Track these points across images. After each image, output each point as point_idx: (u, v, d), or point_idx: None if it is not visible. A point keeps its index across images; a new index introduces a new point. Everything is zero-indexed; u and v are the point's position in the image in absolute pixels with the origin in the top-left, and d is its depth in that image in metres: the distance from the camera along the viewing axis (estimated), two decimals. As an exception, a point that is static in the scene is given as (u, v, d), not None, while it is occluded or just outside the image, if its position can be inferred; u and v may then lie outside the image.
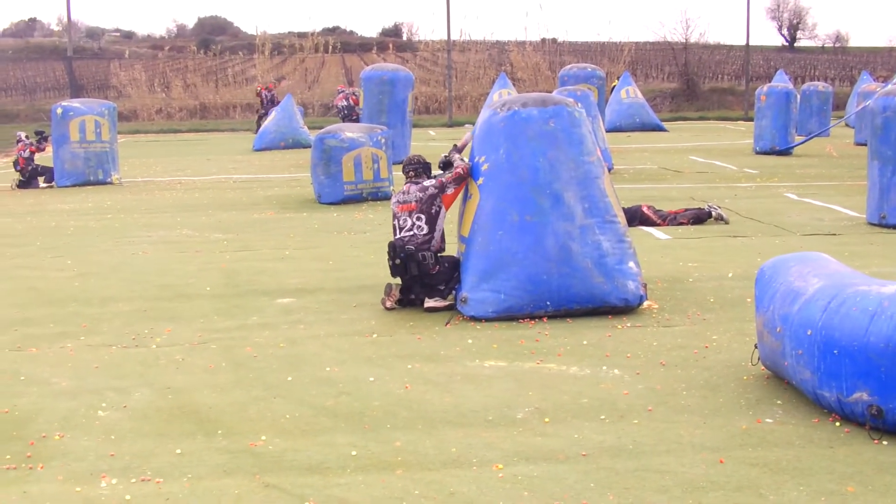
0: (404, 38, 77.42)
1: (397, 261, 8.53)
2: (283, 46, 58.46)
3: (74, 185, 19.20)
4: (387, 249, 8.70)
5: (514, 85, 34.82)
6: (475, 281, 8.19)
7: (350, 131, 15.95)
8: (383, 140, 15.92)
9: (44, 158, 20.24)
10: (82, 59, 52.18)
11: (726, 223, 12.77)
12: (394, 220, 8.75)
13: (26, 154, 19.32)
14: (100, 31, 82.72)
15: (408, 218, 8.62)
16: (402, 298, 8.60)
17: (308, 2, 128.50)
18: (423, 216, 8.59)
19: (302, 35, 62.37)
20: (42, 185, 19.53)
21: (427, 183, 8.74)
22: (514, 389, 6.37)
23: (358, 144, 15.53)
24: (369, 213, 14.47)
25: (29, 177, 19.40)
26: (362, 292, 9.22)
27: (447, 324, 8.07)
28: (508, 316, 8.05)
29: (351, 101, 28.92)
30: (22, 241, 12.73)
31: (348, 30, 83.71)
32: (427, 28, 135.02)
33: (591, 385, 6.42)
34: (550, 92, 27.10)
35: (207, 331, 8.04)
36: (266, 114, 32.00)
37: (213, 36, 74.43)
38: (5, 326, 8.33)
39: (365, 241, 12.05)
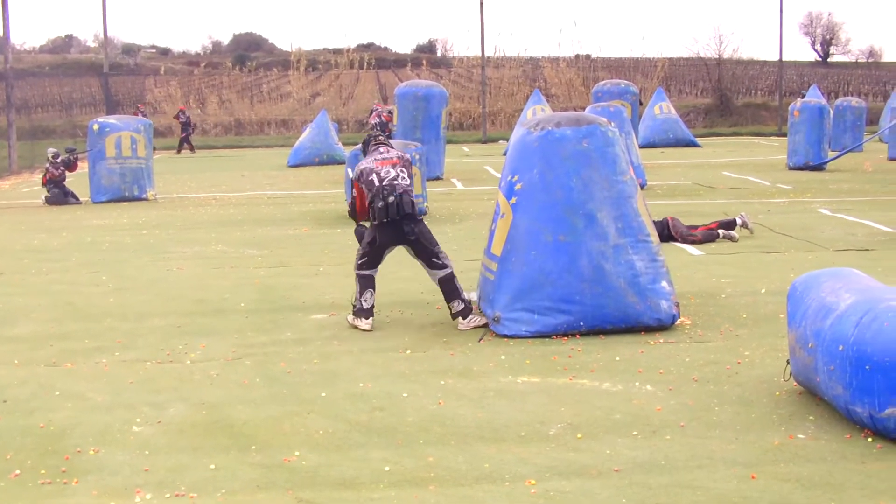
0: (439, 54, 77.82)
1: (391, 199, 8.37)
2: (318, 62, 58.88)
3: (110, 201, 19.40)
4: (373, 197, 8.44)
5: (547, 101, 34.84)
6: (508, 300, 8.18)
7: (384, 148, 16.00)
8: (417, 156, 15.96)
9: (80, 175, 20.51)
10: (118, 76, 52.76)
11: (740, 236, 12.81)
12: (371, 176, 8.51)
13: (47, 177, 19.59)
14: (136, 48, 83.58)
15: (391, 169, 8.52)
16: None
17: (343, 18, 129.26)
18: (405, 171, 8.60)
19: (337, 51, 62.80)
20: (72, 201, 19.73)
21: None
22: (547, 405, 6.37)
23: (391, 160, 15.57)
24: (403, 228, 14.51)
25: (53, 191, 19.61)
26: (396, 308, 9.27)
27: (480, 339, 8.09)
28: (542, 335, 8.05)
29: (383, 118, 29.11)
30: (58, 257, 12.87)
31: (383, 46, 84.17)
32: (461, 44, 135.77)
33: (624, 401, 6.42)
34: (584, 108, 27.15)
35: (242, 346, 8.10)
36: (188, 134, 34.61)
37: (248, 52, 75.02)
38: (41, 341, 8.42)
39: (399, 257, 12.05)
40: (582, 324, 8.06)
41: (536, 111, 30.61)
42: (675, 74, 51.46)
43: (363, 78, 56.46)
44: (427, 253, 8.63)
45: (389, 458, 5.50)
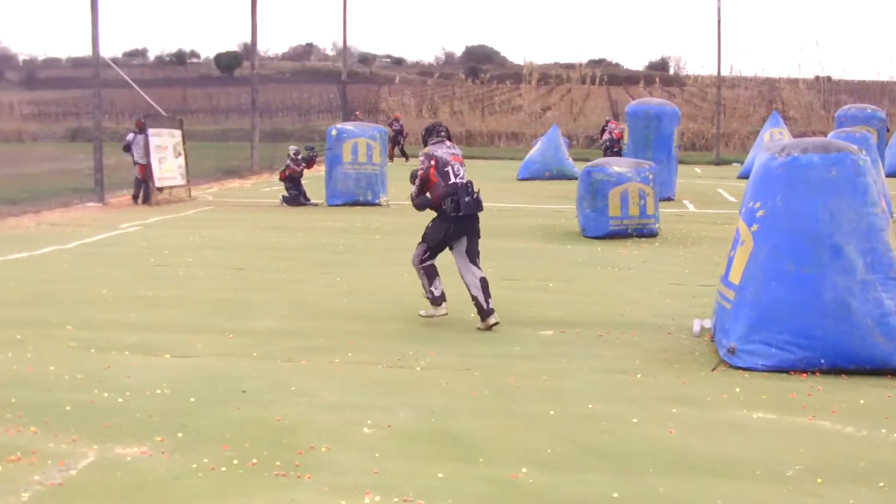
0: (671, 72, 76.66)
1: (475, 195, 9.13)
2: (550, 77, 59.09)
3: (345, 205, 19.98)
4: (455, 190, 9.10)
5: (785, 124, 33.74)
6: (745, 331, 7.88)
7: (618, 165, 15.86)
8: (651, 176, 15.72)
9: (317, 178, 21.20)
10: (354, 84, 54.35)
11: None
12: (446, 168, 9.22)
13: (287, 172, 20.32)
14: (371, 57, 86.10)
15: (461, 167, 9.33)
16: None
17: (575, 33, 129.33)
18: (464, 169, 9.37)
19: (568, 66, 62.91)
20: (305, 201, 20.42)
21: None
22: (784, 444, 6.08)
23: (625, 179, 15.40)
24: (634, 249, 14.28)
25: (291, 192, 20.34)
26: (626, 329, 9.08)
27: (714, 369, 7.83)
28: (778, 370, 7.71)
29: (615, 135, 28.92)
30: (294, 256, 13.32)
31: (614, 62, 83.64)
32: (695, 62, 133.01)
33: (869, 448, 6.05)
34: (824, 133, 26.17)
35: (470, 356, 8.12)
36: (399, 143, 34.75)
37: (479, 64, 75.96)
38: (278, 337, 8.70)
39: (630, 277, 11.90)
40: (822, 361, 7.68)
41: (774, 134, 29.70)
42: (926, 101, 48.92)
43: (594, 93, 56.29)
44: (475, 250, 9.28)
45: (617, 485, 5.37)
